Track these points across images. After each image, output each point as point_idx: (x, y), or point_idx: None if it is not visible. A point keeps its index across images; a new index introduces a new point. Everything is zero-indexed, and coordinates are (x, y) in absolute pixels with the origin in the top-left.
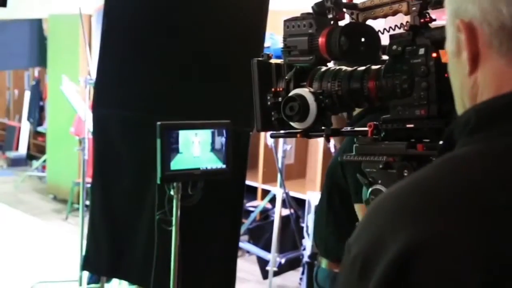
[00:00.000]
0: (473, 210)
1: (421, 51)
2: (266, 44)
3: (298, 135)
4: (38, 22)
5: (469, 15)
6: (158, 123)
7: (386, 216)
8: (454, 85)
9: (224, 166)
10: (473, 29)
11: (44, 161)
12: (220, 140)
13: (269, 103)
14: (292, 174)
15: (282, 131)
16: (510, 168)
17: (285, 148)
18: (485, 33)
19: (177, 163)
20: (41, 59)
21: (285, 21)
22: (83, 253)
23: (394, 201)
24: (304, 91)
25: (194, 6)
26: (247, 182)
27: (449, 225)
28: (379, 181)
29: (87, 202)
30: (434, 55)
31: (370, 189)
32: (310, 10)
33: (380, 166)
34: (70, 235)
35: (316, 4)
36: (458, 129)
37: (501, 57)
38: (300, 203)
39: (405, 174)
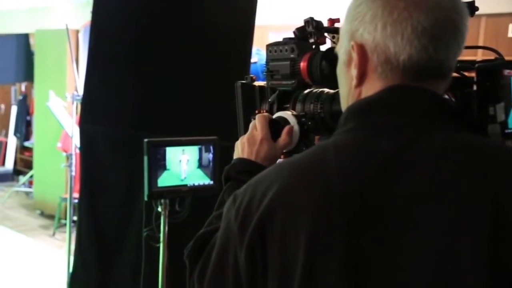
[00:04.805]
0: (311, 187)
1: None
2: (252, 60)
3: (282, 156)
4: (25, 37)
5: (364, 41)
6: (145, 140)
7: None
8: (342, 89)
9: (211, 182)
10: (365, 53)
11: (31, 176)
12: (207, 156)
13: None
14: None
15: None
16: (344, 156)
17: None
18: (374, 61)
19: (164, 180)
20: (28, 74)
21: (267, 45)
22: (71, 269)
23: (273, 169)
24: (287, 114)
25: (180, 23)
26: None
27: (293, 193)
28: None
29: (75, 218)
30: None
31: None
32: (296, 23)
33: None
34: (57, 251)
35: (298, 29)
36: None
37: (380, 81)
38: None
39: None
